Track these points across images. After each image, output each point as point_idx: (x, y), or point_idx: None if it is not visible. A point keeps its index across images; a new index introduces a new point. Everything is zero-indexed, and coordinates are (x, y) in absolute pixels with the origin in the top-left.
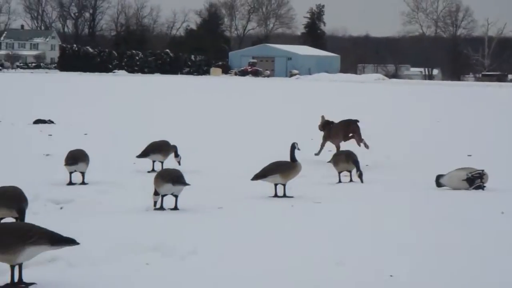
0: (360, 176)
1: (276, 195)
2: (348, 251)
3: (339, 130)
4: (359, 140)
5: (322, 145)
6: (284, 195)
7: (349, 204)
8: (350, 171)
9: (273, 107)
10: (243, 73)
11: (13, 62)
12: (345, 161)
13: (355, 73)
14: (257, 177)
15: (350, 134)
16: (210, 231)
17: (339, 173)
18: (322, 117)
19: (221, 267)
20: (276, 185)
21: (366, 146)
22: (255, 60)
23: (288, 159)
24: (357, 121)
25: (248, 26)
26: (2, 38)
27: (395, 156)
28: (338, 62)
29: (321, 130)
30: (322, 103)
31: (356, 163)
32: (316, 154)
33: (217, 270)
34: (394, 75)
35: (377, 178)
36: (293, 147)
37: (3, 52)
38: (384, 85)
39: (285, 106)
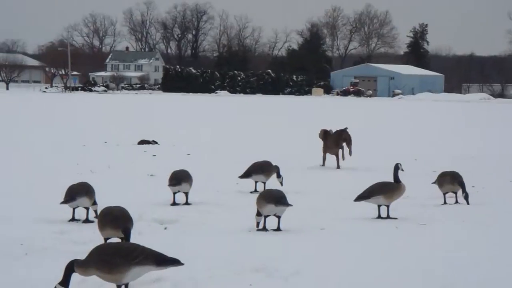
0: (466, 197)
1: (379, 217)
2: (459, 275)
3: (334, 140)
4: (350, 146)
5: (324, 157)
6: (388, 217)
7: (455, 226)
8: (455, 192)
9: (377, 127)
10: (345, 93)
11: (118, 83)
12: (450, 182)
13: (460, 92)
14: (360, 198)
15: (343, 143)
16: (313, 252)
17: (444, 194)
18: (323, 130)
19: None
20: (379, 206)
21: (350, 153)
22: (357, 80)
23: (392, 180)
24: (346, 129)
25: (349, 46)
26: (107, 60)
27: (506, 177)
28: (442, 82)
29: (322, 140)
30: (427, 123)
31: (461, 184)
32: (322, 166)
33: None
34: (501, 95)
35: (484, 200)
36: (397, 167)
37: (108, 73)
38: (489, 105)
39: (389, 126)
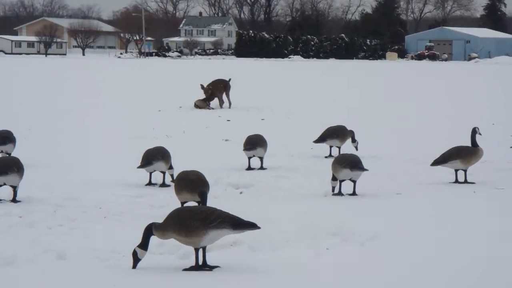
0: None
1: (456, 181)
2: None
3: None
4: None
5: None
6: (465, 181)
7: None
8: None
9: (452, 92)
10: (420, 57)
11: (192, 48)
12: None
13: None
14: (437, 162)
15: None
16: (389, 217)
17: None
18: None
19: (401, 254)
20: (456, 170)
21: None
22: (432, 44)
23: (469, 144)
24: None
25: (424, 9)
26: (181, 25)
27: None
28: None
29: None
30: (504, 87)
31: None
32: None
33: (397, 257)
34: None
35: None
36: (474, 131)
37: (182, 39)
38: None
39: (464, 90)
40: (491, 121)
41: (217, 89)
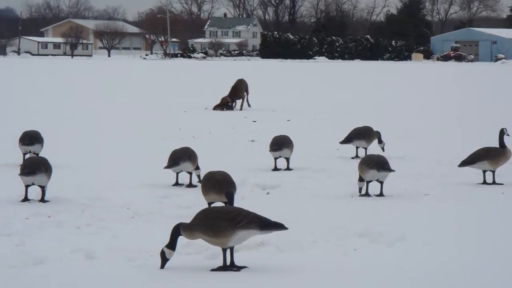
0: None
1: (485, 182)
2: None
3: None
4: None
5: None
6: (494, 182)
7: None
8: None
9: (478, 93)
10: (446, 58)
11: (217, 50)
12: None
13: None
14: (464, 163)
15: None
16: (417, 218)
17: None
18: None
19: (429, 255)
20: (484, 172)
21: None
22: (458, 45)
23: (497, 145)
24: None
25: (450, 10)
26: (206, 26)
27: None
28: None
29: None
30: None
31: None
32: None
33: (425, 258)
34: None
35: None
36: (502, 132)
37: (207, 40)
38: None
39: (491, 91)
40: None
41: (241, 89)
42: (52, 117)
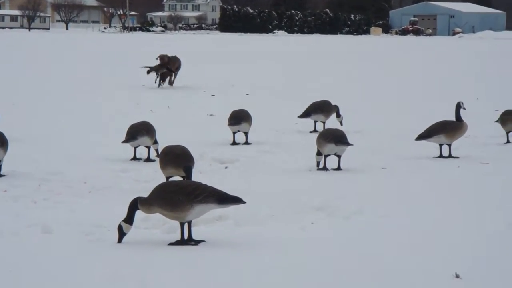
0: None
1: (441, 156)
2: None
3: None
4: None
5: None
6: (450, 156)
7: None
8: None
9: (436, 67)
10: (404, 32)
11: (176, 23)
12: None
13: None
14: (421, 137)
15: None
16: (374, 191)
17: (507, 133)
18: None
19: (386, 228)
20: (441, 145)
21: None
22: (416, 19)
23: (453, 118)
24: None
25: None
26: (165, 0)
27: None
28: (504, 19)
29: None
30: (488, 62)
31: None
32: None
33: (382, 231)
34: None
35: None
36: (459, 106)
37: (166, 13)
38: None
39: (448, 65)
40: (475, 95)
41: (173, 66)
42: (7, 91)
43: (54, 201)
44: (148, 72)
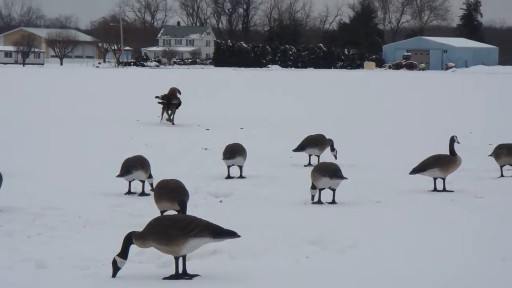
0: None
1: (435, 189)
2: None
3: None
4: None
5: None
6: (444, 189)
7: None
8: None
9: (430, 100)
10: (398, 66)
11: (170, 58)
12: (508, 154)
13: None
14: (415, 171)
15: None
16: (369, 225)
17: (501, 167)
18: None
19: (381, 262)
20: (435, 179)
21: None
22: (409, 53)
23: (447, 152)
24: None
25: (401, 19)
26: (159, 35)
27: None
28: (496, 54)
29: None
30: (481, 96)
31: None
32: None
33: (377, 264)
34: None
35: None
36: (452, 140)
37: (160, 48)
38: None
39: (442, 99)
40: (469, 129)
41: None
42: (2, 125)
43: (48, 235)
44: (161, 102)
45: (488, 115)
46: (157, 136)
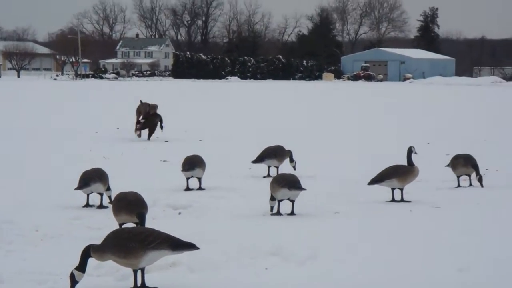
0: (480, 180)
1: (393, 200)
2: (471, 257)
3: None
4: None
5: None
6: (402, 200)
7: (469, 209)
8: (469, 175)
9: (387, 111)
10: (356, 77)
11: (129, 70)
12: (464, 165)
13: (471, 76)
14: (373, 181)
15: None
16: (328, 236)
17: (458, 177)
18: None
19: (340, 272)
20: (393, 189)
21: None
22: (367, 65)
23: (405, 163)
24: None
25: (360, 31)
26: (118, 47)
27: None
28: (453, 65)
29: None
30: (438, 107)
31: (475, 167)
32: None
33: (336, 275)
34: None
35: (498, 183)
36: (410, 151)
37: (119, 60)
38: (501, 88)
39: (400, 110)
40: (426, 140)
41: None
42: None
43: (5, 250)
44: (140, 122)
45: (446, 125)
46: (116, 148)
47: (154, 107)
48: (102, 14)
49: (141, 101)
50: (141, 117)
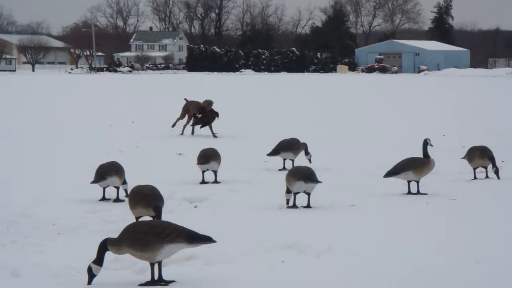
0: (497, 172)
1: (409, 192)
2: (487, 249)
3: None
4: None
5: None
6: (418, 192)
7: (486, 201)
8: (485, 167)
9: (403, 103)
10: (370, 69)
11: (143, 63)
12: (480, 157)
13: (486, 67)
14: (389, 174)
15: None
16: (344, 228)
17: (474, 169)
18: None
19: (356, 265)
20: (409, 182)
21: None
22: (382, 57)
23: (421, 155)
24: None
25: (374, 23)
26: (131, 40)
27: None
28: (468, 57)
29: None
30: (454, 99)
31: (492, 159)
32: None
33: (352, 268)
34: None
35: None
36: (426, 143)
37: (133, 54)
38: None
39: (415, 102)
40: (442, 132)
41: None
42: None
43: (22, 243)
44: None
45: (461, 117)
46: (131, 141)
47: (210, 103)
48: (115, 7)
49: (186, 99)
50: (197, 113)
